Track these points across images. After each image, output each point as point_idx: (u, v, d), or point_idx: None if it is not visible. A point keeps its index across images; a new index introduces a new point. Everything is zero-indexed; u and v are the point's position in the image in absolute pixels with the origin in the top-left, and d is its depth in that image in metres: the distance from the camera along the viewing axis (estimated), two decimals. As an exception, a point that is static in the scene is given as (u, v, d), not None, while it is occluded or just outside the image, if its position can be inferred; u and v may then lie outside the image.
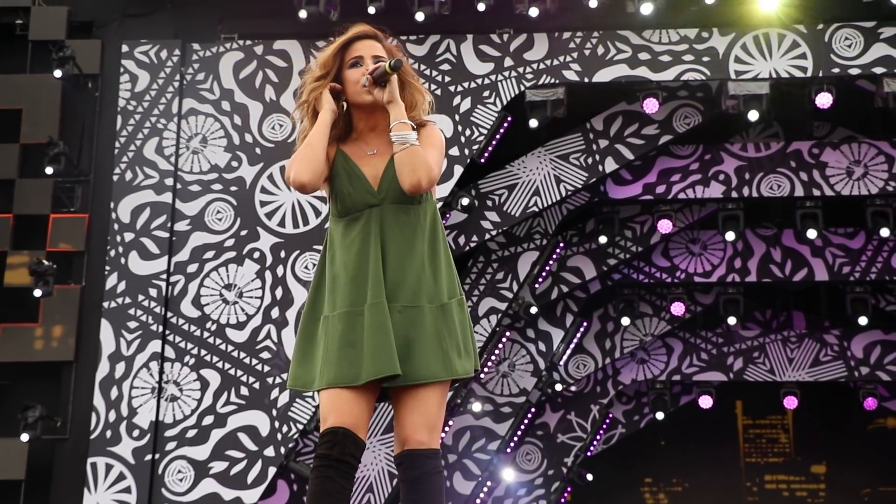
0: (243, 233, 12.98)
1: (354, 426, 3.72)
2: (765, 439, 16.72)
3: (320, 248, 12.73)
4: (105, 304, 12.83)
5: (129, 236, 12.98)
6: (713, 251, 14.77)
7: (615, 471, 15.98)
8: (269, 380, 12.57)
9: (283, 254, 12.89)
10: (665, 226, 13.96)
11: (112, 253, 12.96)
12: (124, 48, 13.35)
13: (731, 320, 14.79)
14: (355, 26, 3.98)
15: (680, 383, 16.05)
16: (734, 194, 13.73)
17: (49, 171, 13.03)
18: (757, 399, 16.54)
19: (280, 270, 12.86)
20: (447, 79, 13.13)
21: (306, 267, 12.83)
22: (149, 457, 12.39)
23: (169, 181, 13.07)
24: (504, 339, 14.25)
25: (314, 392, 3.70)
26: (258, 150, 13.13)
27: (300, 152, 3.84)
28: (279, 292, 12.80)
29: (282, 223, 12.98)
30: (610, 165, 13.38)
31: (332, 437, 3.71)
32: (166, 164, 13.11)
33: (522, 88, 12.97)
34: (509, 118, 13.08)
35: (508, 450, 14.91)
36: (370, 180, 3.87)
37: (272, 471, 12.35)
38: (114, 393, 12.61)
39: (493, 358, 14.16)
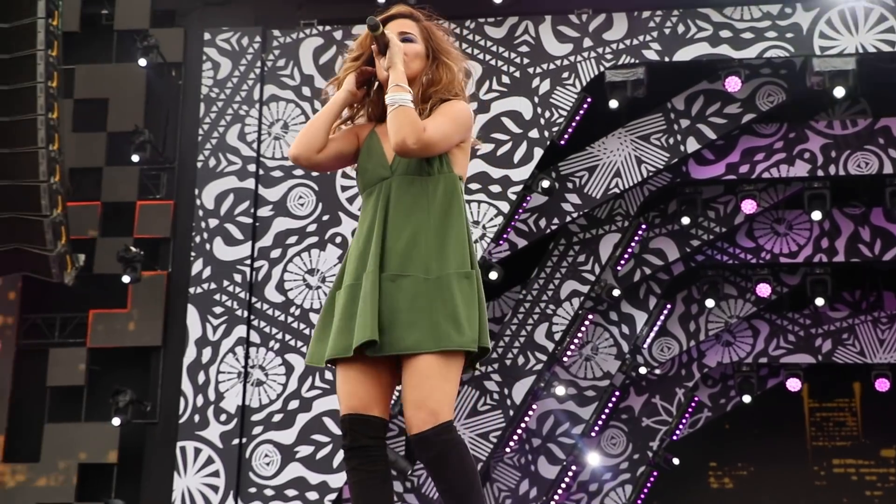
0: (325, 217, 13.06)
1: (364, 406, 3.68)
2: (832, 423, 16.42)
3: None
4: (191, 290, 13.01)
5: (213, 222, 13.14)
6: (799, 231, 14.54)
7: (680, 456, 15.80)
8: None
9: (364, 238, 12.93)
10: (749, 206, 13.76)
11: (197, 239, 13.12)
12: (206, 36, 13.50)
13: (819, 301, 14.55)
14: (394, 6, 3.99)
15: (767, 366, 15.84)
16: (820, 173, 13.49)
17: (135, 158, 13.23)
18: (823, 382, 16.25)
19: (362, 255, 12.91)
20: (526, 61, 13.07)
21: (388, 251, 12.86)
22: (236, 441, 12.55)
23: (251, 167, 13.20)
24: (587, 323, 14.19)
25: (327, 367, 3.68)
26: (339, 136, 13.17)
27: (302, 128, 3.92)
28: (361, 277, 12.85)
29: (363, 208, 13.03)
30: (692, 145, 13.23)
31: (343, 426, 3.73)
32: (248, 151, 13.24)
33: (602, 69, 12.86)
34: (589, 99, 12.99)
35: (593, 434, 14.85)
36: (387, 155, 3.84)
37: (357, 454, 12.42)
38: (201, 378, 12.79)
39: (575, 341, 14.10)
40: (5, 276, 13.23)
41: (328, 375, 12.67)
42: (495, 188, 12.86)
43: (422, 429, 3.55)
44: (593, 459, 15.05)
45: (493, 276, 12.88)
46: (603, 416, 14.78)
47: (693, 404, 15.78)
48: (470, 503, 3.56)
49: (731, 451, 16.49)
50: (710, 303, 14.85)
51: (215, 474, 12.52)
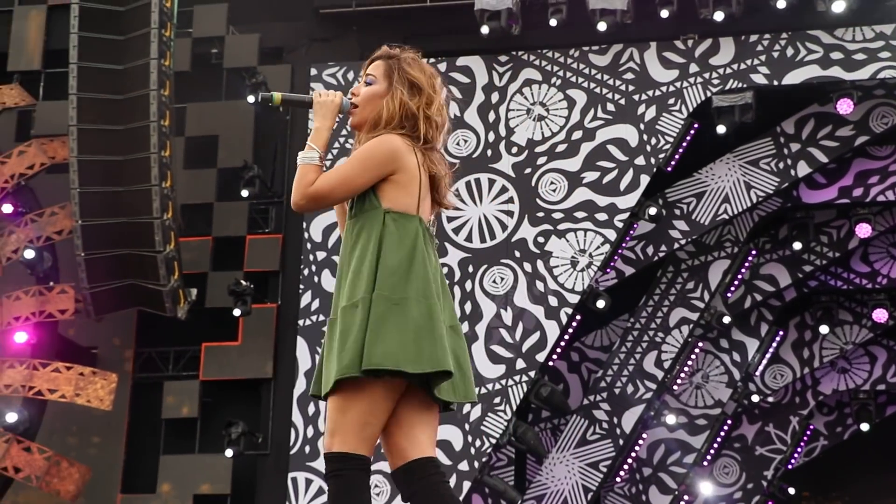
0: (432, 249, 13.08)
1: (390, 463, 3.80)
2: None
3: (507, 261, 12.81)
4: (300, 322, 13.15)
5: (321, 255, 13.27)
6: (917, 254, 14.17)
7: (795, 485, 15.40)
8: (461, 394, 12.62)
9: (470, 268, 12.97)
10: (864, 230, 13.45)
11: (306, 272, 13.27)
12: (313, 71, 13.68)
13: (939, 326, 14.15)
14: (380, 49, 4.06)
15: (885, 392, 15.42)
16: (937, 194, 13.14)
17: (244, 193, 13.45)
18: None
19: (468, 285, 12.93)
20: (631, 88, 12.99)
21: (494, 281, 12.87)
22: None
23: (358, 200, 13.28)
24: (696, 350, 13.99)
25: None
26: (444, 167, 13.22)
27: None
28: (468, 307, 12.87)
29: (468, 238, 13.06)
30: (803, 169, 12.99)
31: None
32: (355, 184, 13.32)
33: (709, 94, 12.72)
34: (696, 125, 12.85)
35: (705, 463, 14.60)
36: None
37: (467, 485, 12.41)
38: (311, 409, 12.90)
39: (685, 369, 13.91)
40: (121, 311, 13.51)
41: (437, 406, 12.65)
42: (602, 216, 12.78)
43: (323, 452, 3.68)
44: (706, 489, 14.78)
45: (601, 304, 12.78)
46: (715, 445, 14.54)
47: (808, 432, 15.43)
48: None
49: (823, 478, 16.05)
50: (824, 329, 14.53)
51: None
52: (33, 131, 13.91)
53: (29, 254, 13.15)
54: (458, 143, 13.26)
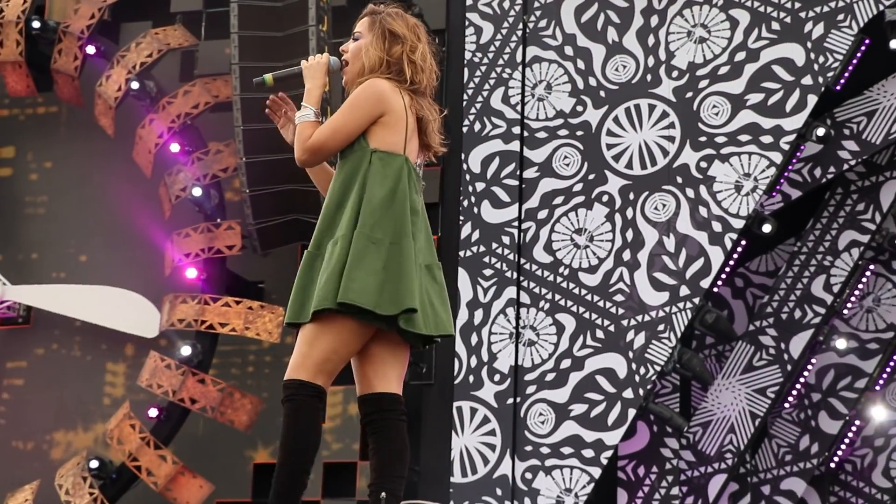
0: (591, 176, 12.98)
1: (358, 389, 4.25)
2: None
3: (669, 188, 12.61)
4: (461, 254, 13.21)
5: (480, 186, 13.27)
6: None
7: None
8: (624, 322, 12.56)
9: (632, 195, 12.80)
10: None
11: (465, 203, 13.30)
12: (468, 1, 13.59)
13: None
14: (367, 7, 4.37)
15: None
16: None
17: (403, 127, 13.48)
18: None
19: (630, 212, 12.79)
20: (797, 4, 12.55)
21: (656, 208, 12.69)
22: (510, 400, 12.70)
23: (516, 129, 13.24)
24: (867, 273, 13.58)
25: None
26: (602, 93, 13.06)
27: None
28: (629, 234, 12.73)
29: (629, 165, 12.88)
30: (981, 83, 12.41)
31: None
32: (513, 113, 13.29)
33: (881, 8, 12.20)
34: (867, 41, 12.35)
35: (877, 387, 14.23)
36: None
37: (631, 412, 12.37)
38: (474, 339, 12.99)
39: (856, 293, 13.53)
40: (285, 246, 13.78)
41: (599, 334, 12.63)
42: (767, 139, 12.45)
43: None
44: (879, 414, 14.42)
45: (767, 228, 12.49)
46: (888, 370, 14.14)
47: None
48: (282, 460, 3.88)
49: None
50: None
51: (491, 433, 12.72)
52: (196, 71, 14.18)
53: (196, 191, 13.49)
54: (616, 69, 13.04)
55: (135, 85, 13.75)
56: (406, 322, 3.88)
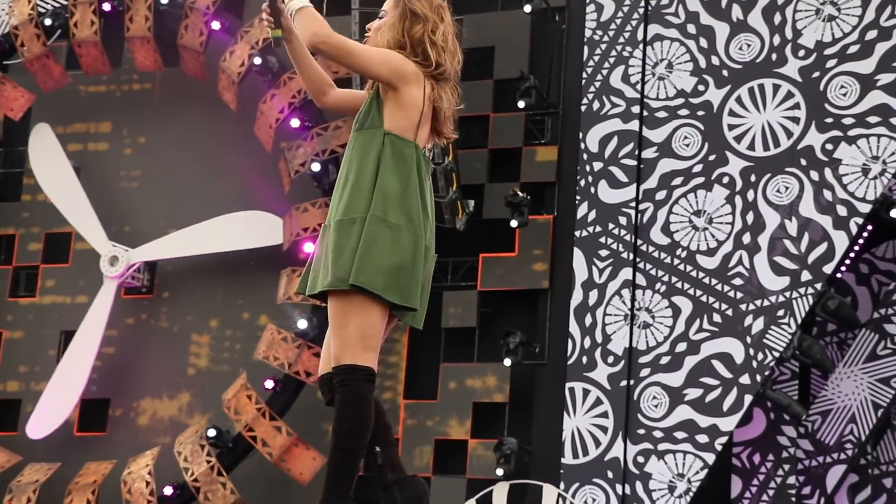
0: (711, 157, 12.74)
1: (322, 367, 4.10)
2: None
3: (792, 170, 12.30)
4: (577, 233, 13.09)
5: (597, 165, 13.13)
6: None
7: None
8: (742, 306, 12.31)
9: (753, 177, 12.53)
10: None
11: (582, 182, 13.17)
12: (591, -26, 13.44)
13: None
14: None
15: None
16: None
17: (521, 104, 13.42)
18: None
19: (751, 195, 12.52)
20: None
21: (778, 190, 12.40)
22: (624, 383, 12.57)
23: (635, 109, 13.06)
24: None
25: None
26: (725, 73, 12.80)
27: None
28: (750, 217, 12.47)
29: (751, 146, 12.61)
30: None
31: None
32: (632, 92, 13.11)
33: None
34: None
35: None
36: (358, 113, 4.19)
37: (748, 399, 12.14)
38: (588, 320, 12.88)
39: None
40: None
41: (717, 318, 12.41)
42: (896, 121, 12.07)
43: (332, 366, 3.94)
44: None
45: (895, 213, 12.11)
46: None
47: None
48: (337, 444, 3.87)
49: None
50: None
51: (604, 415, 12.61)
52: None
53: (315, 167, 13.61)
54: (740, 48, 12.76)
55: (257, 60, 13.93)
56: (404, 316, 4.01)
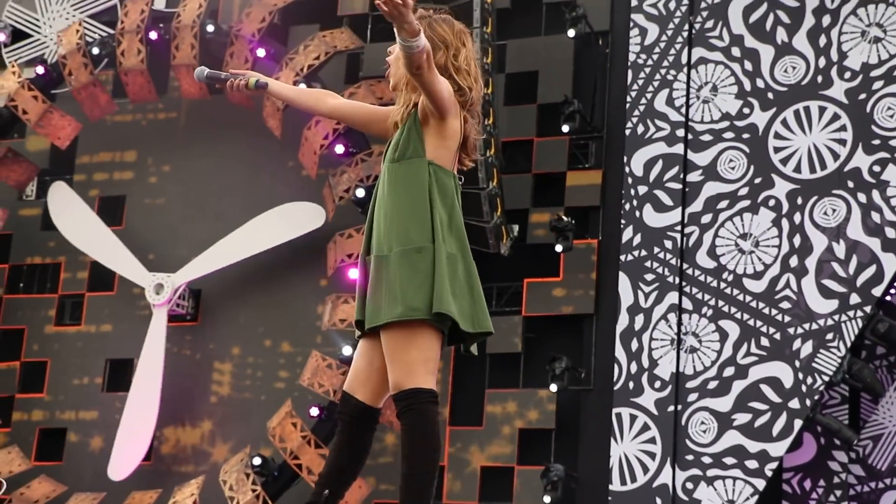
0: (757, 180, 12.66)
1: (352, 388, 4.06)
2: None
3: (840, 192, 12.20)
4: (622, 258, 13.04)
5: (642, 189, 13.09)
6: None
7: None
8: (791, 330, 12.20)
9: (800, 200, 12.44)
10: None
11: (626, 206, 13.13)
12: (633, 2, 13.43)
13: None
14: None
15: None
16: None
17: (565, 129, 13.41)
18: None
19: (797, 217, 12.43)
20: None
21: (825, 213, 12.31)
22: (671, 408, 12.47)
23: (680, 132, 13.02)
24: None
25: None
26: (770, 95, 12.74)
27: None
28: (797, 240, 12.37)
29: (797, 169, 12.53)
30: None
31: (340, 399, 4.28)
32: (677, 116, 13.07)
33: None
34: None
35: None
36: (391, 143, 4.14)
37: (798, 423, 12.01)
38: (634, 345, 12.80)
39: None
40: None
41: (764, 342, 12.30)
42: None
43: (391, 394, 3.91)
44: None
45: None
46: None
47: None
48: (411, 469, 3.85)
49: None
50: None
51: (651, 441, 12.51)
52: (362, 73, 14.39)
53: (360, 192, 13.64)
54: (785, 70, 12.70)
55: (302, 87, 13.98)
56: (470, 344, 4.02)
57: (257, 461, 13.71)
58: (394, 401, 3.90)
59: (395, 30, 3.71)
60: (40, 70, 15.39)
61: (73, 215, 15.35)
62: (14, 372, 15.59)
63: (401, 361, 3.89)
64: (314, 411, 13.66)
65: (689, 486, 12.31)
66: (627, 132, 13.24)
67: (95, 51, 15.16)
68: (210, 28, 14.66)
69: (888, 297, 12.54)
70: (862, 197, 12.20)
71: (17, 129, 16.07)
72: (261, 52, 14.44)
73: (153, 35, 14.91)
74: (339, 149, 13.92)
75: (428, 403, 3.88)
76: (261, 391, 14.61)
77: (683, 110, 13.04)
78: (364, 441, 4.09)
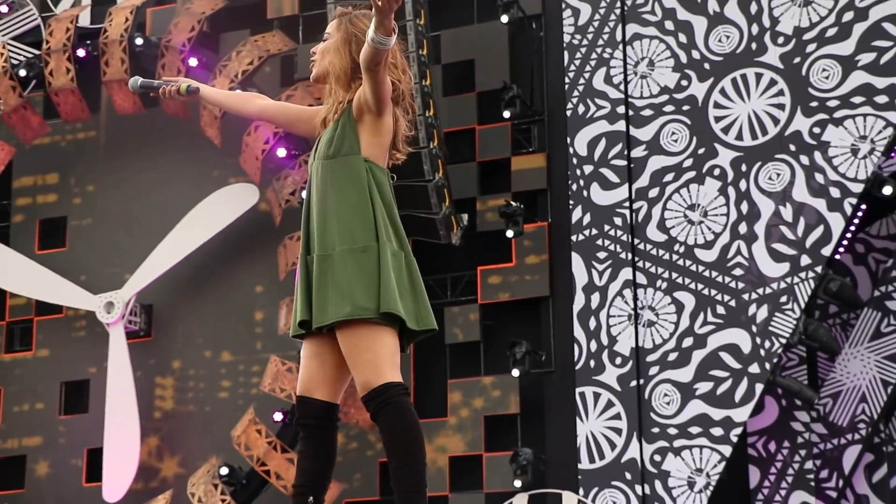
0: (701, 151, 12.78)
1: (308, 389, 4.02)
2: None
3: (782, 156, 12.36)
4: (573, 238, 13.10)
5: (588, 168, 13.15)
6: None
7: None
8: (745, 296, 12.34)
9: (744, 167, 12.58)
10: None
11: (574, 187, 13.19)
12: (564, -16, 13.48)
13: None
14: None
15: None
16: None
17: (506, 114, 13.44)
18: None
19: (743, 184, 12.56)
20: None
21: (770, 178, 12.46)
22: (633, 383, 12.56)
23: (621, 109, 13.10)
24: None
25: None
26: (707, 66, 12.86)
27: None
28: (744, 207, 12.51)
29: (739, 136, 12.66)
30: None
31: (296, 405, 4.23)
32: (616, 93, 13.15)
33: None
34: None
35: None
36: (320, 141, 4.13)
37: (759, 388, 12.16)
38: (592, 323, 12.87)
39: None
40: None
41: (720, 310, 12.43)
42: (881, 99, 12.14)
43: (361, 394, 3.88)
44: None
45: (887, 191, 12.18)
46: None
47: None
48: (402, 462, 3.84)
49: None
50: None
51: (616, 417, 12.60)
52: (296, 75, 14.30)
53: (305, 195, 13.55)
54: (719, 40, 12.83)
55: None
56: (410, 340, 4.02)
57: (224, 471, 13.61)
58: (365, 402, 3.88)
59: (373, 23, 3.67)
60: (-32, 96, 15.13)
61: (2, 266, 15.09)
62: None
63: (365, 361, 3.88)
64: (278, 416, 13.59)
65: (657, 458, 12.42)
66: (568, 113, 13.30)
67: (23, 73, 14.91)
68: (139, 41, 14.49)
69: (837, 256, 12.73)
70: (804, 159, 12.36)
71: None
72: (193, 62, 14.29)
73: (81, 52, 14.70)
74: (282, 152, 13.83)
75: (401, 395, 3.86)
76: (204, 403, 14.52)
77: (622, 87, 13.13)
78: (333, 440, 4.07)
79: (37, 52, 15.08)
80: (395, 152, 4.06)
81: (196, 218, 14.41)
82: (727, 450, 12.15)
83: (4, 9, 15.39)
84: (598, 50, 13.25)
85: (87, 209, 15.44)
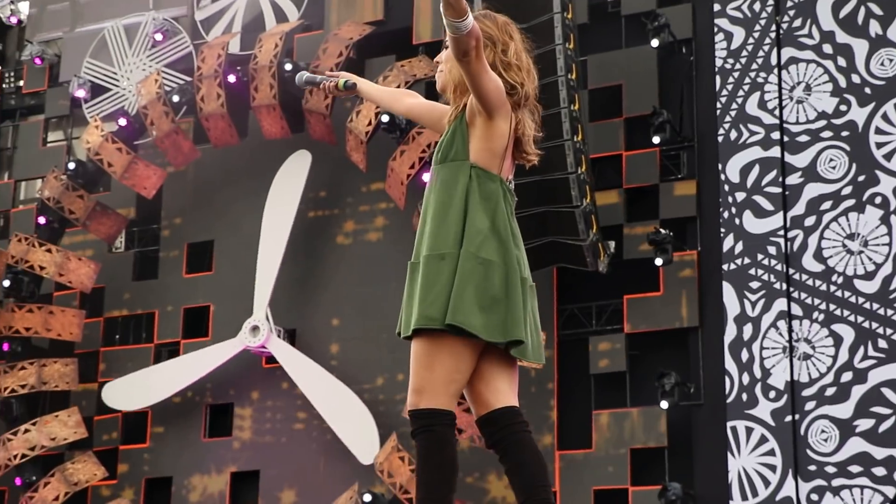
0: (861, 178, 12.32)
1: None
2: None
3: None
4: (725, 267, 12.74)
5: (740, 196, 12.79)
6: None
7: None
8: (908, 330, 11.82)
9: (907, 195, 12.08)
10: None
11: (725, 215, 12.83)
12: (716, 7, 13.18)
13: None
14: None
15: None
16: None
17: (655, 140, 13.16)
18: None
19: (907, 213, 12.06)
20: None
21: (934, 206, 11.92)
22: (788, 418, 12.12)
23: (775, 135, 12.72)
24: None
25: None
26: (867, 90, 12.40)
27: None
28: (908, 237, 12.00)
29: (902, 163, 12.17)
30: None
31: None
32: (770, 118, 12.77)
33: None
34: None
35: None
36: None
37: (924, 426, 11.61)
38: (744, 355, 12.48)
39: None
40: (541, 269, 13.59)
41: (882, 343, 11.92)
42: None
43: (408, 409, 3.71)
44: None
45: None
46: None
47: None
48: (426, 495, 3.65)
49: None
50: None
51: (770, 453, 12.17)
52: (442, 100, 14.20)
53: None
54: (881, 64, 12.37)
55: (384, 118, 13.91)
56: (515, 350, 3.75)
57: (367, 498, 13.53)
58: (410, 416, 3.70)
59: (441, 9, 3.48)
60: (122, 122, 15.45)
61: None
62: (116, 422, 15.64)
63: (421, 377, 3.69)
64: (420, 444, 13.44)
65: (815, 497, 11.94)
66: (720, 139, 12.96)
67: (175, 98, 15.18)
68: (288, 66, 14.60)
69: None
70: (972, 187, 11.82)
71: (103, 183, 16.14)
72: (340, 87, 14.32)
73: (231, 78, 14.89)
74: (427, 177, 13.76)
75: (446, 426, 3.64)
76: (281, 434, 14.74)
77: (777, 112, 12.74)
78: (523, 443, 3.81)
79: (188, 78, 15.34)
80: (524, 155, 3.88)
81: (276, 196, 14.79)
82: (891, 491, 11.62)
83: (160, 36, 15.68)
84: (752, 74, 12.90)
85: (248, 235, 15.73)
